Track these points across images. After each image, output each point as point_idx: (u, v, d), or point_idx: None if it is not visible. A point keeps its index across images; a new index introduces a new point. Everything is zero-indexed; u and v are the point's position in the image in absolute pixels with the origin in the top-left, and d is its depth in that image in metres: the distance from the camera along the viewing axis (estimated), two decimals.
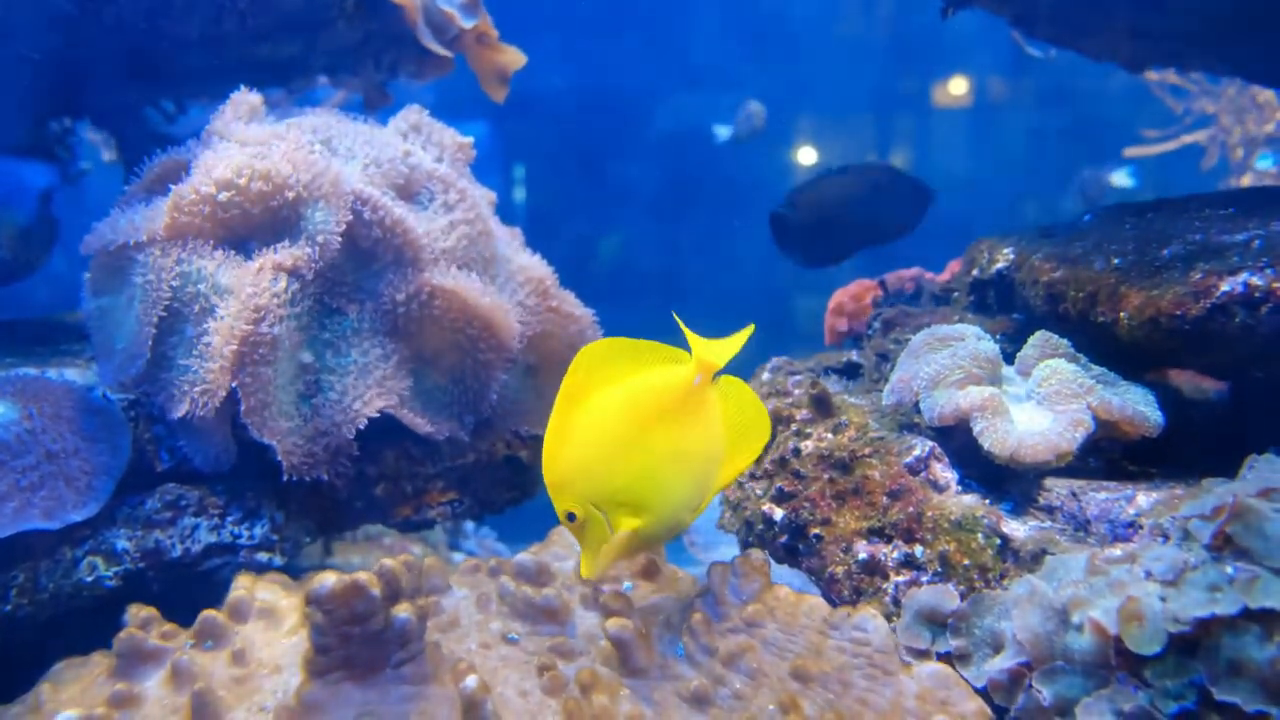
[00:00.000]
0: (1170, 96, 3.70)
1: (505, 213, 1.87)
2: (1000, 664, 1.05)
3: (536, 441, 1.76)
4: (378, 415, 1.48)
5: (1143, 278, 1.30)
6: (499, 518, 1.86)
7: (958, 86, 4.46)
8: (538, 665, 1.09)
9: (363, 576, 0.95)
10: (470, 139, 1.80)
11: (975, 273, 1.81)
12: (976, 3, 1.95)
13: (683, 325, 1.10)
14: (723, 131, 3.96)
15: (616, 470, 1.03)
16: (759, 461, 1.52)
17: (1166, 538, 1.08)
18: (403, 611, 0.98)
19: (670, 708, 1.04)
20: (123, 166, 2.38)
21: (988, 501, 1.27)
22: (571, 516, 1.04)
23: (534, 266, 1.76)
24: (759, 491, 1.48)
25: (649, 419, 1.05)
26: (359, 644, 0.97)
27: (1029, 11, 1.98)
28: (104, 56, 1.96)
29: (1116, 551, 1.06)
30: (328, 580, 0.94)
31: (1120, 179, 3.74)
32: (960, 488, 1.31)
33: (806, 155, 4.63)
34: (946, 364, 1.34)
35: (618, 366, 1.07)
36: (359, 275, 1.52)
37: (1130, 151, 3.78)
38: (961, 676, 1.07)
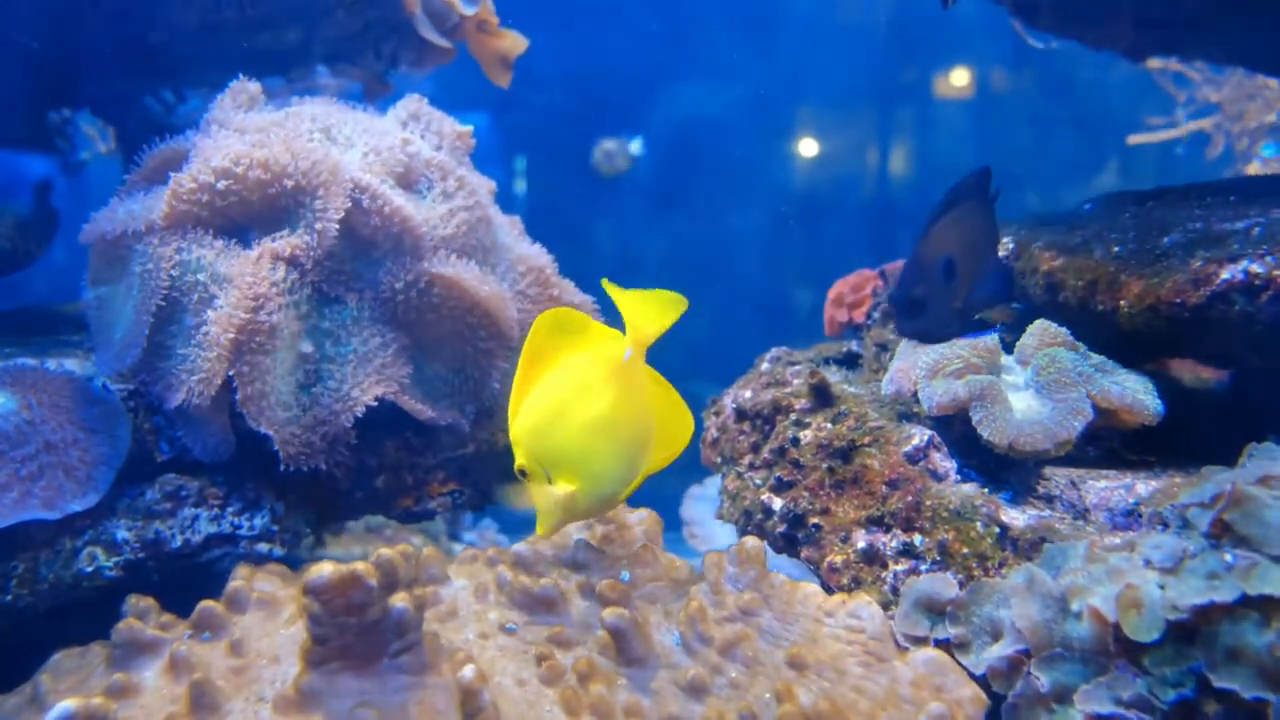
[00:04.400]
0: (1173, 85, 3.68)
1: (505, 201, 1.86)
2: (999, 651, 1.05)
3: None
4: (375, 403, 1.48)
5: (1142, 266, 1.30)
6: (499, 508, 1.86)
7: (958, 77, 4.44)
8: (535, 655, 1.09)
9: (359, 566, 0.95)
10: (469, 128, 1.80)
11: None
12: None
13: (616, 297, 1.14)
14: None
15: (555, 434, 1.10)
16: (758, 451, 1.52)
17: (1165, 525, 1.08)
18: (400, 601, 0.98)
19: (667, 696, 1.04)
20: (121, 156, 2.38)
21: (987, 490, 1.27)
22: (524, 473, 1.11)
23: (534, 255, 1.76)
24: (758, 481, 1.48)
25: (584, 388, 1.11)
26: (356, 634, 0.97)
27: (1030, 0, 1.98)
28: (103, 46, 1.96)
29: (1115, 539, 1.06)
30: (324, 570, 0.94)
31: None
32: (959, 476, 1.31)
33: (807, 146, 4.62)
34: (945, 353, 1.34)
35: (569, 336, 1.14)
36: (358, 264, 1.52)
37: (1133, 139, 3.76)
38: (960, 664, 1.08)
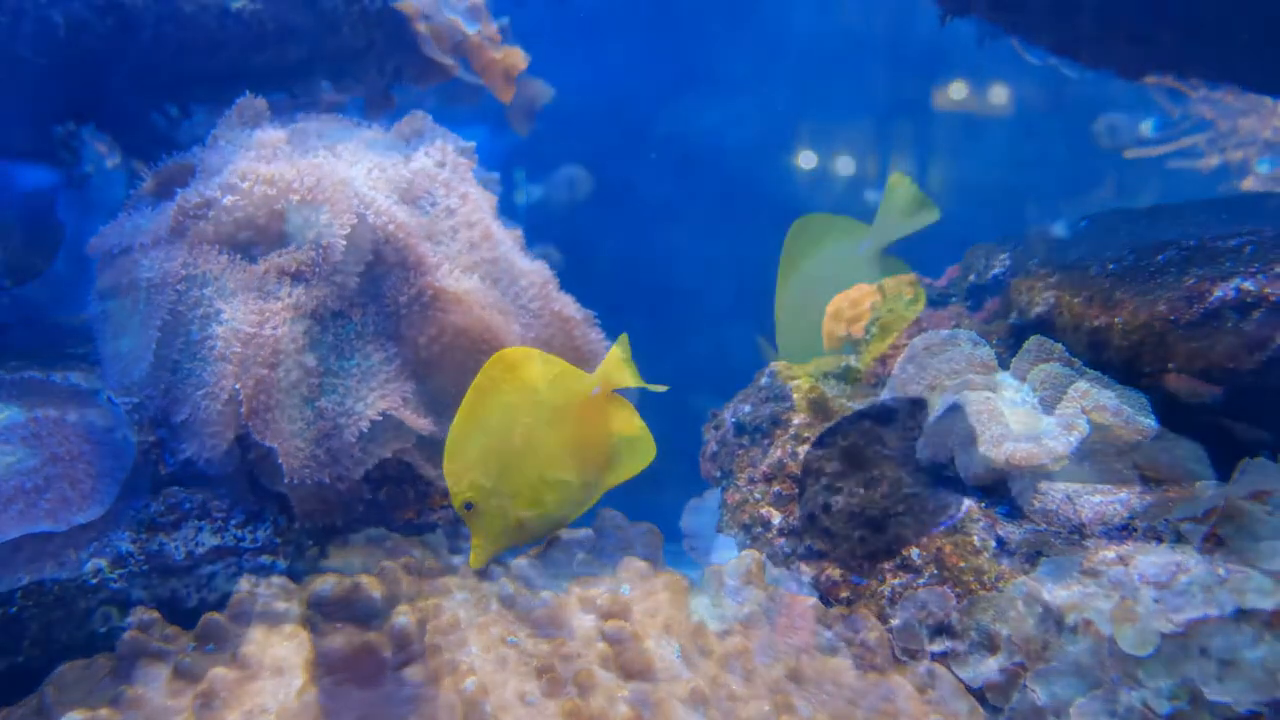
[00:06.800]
0: (1169, 101, 3.70)
1: (505, 213, 1.87)
2: (996, 665, 1.06)
3: None
4: (380, 418, 1.49)
5: (1137, 283, 1.31)
6: None
7: (957, 92, 4.47)
8: (537, 667, 1.10)
9: (363, 579, 0.96)
10: (472, 144, 1.81)
11: (972, 278, 1.82)
12: (975, 10, 1.96)
13: (620, 343, 1.24)
14: None
15: (514, 466, 1.16)
16: (757, 465, 1.53)
17: (1160, 540, 1.09)
18: (403, 614, 0.99)
19: (668, 708, 1.05)
20: (126, 170, 2.39)
21: (983, 504, 1.28)
22: (469, 505, 1.16)
23: (535, 269, 1.77)
24: (757, 495, 1.49)
25: (549, 420, 1.19)
26: (360, 647, 0.98)
27: (1026, 19, 1.99)
28: (109, 61, 1.98)
29: (1110, 553, 1.07)
30: (329, 583, 0.95)
31: None
32: None
33: (808, 161, 4.64)
34: (943, 369, 1.35)
35: (529, 370, 1.21)
36: (362, 279, 1.53)
37: (1131, 154, 3.78)
38: (956, 677, 1.08)
